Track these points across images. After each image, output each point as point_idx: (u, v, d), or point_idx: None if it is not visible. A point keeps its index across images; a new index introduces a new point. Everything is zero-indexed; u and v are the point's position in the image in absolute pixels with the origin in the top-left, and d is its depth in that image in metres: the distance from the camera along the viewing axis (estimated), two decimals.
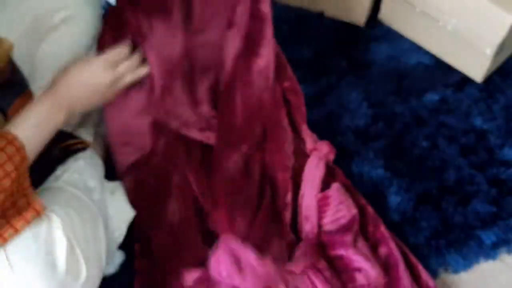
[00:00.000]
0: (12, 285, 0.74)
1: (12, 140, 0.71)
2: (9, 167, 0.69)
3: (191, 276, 0.92)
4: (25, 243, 0.74)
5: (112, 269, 0.98)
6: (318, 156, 1.08)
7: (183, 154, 1.08)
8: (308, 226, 1.00)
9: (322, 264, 0.96)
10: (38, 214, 0.75)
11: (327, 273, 0.95)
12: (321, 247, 0.99)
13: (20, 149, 0.72)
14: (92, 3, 1.01)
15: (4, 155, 0.70)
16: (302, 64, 1.34)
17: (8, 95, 0.87)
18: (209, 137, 1.08)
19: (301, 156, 1.11)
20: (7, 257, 0.73)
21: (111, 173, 1.04)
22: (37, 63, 0.98)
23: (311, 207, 1.01)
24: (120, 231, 0.97)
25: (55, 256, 0.76)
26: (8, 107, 0.86)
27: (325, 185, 1.07)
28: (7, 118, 0.86)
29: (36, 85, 0.96)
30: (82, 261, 0.78)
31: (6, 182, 0.69)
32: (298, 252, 0.97)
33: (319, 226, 1.01)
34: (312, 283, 0.93)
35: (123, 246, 1.00)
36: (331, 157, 1.11)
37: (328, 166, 1.11)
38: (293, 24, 1.43)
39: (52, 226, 0.77)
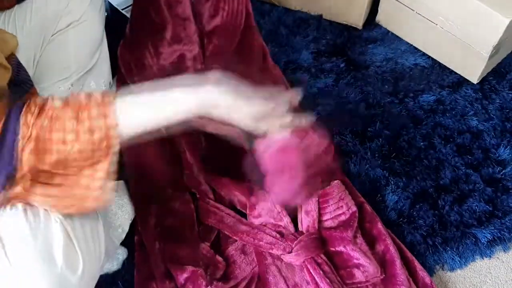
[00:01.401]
0: (11, 279, 0.75)
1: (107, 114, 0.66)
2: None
3: (182, 275, 0.93)
4: (23, 237, 0.75)
5: (115, 266, 0.99)
6: None
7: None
8: (308, 220, 1.02)
9: (322, 259, 0.97)
10: None
11: (326, 268, 0.96)
12: (322, 242, 1.00)
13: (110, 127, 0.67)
14: (97, 8, 1.02)
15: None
16: (301, 66, 1.36)
17: (13, 94, 0.87)
18: None
19: None
20: (5, 252, 0.74)
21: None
22: (42, 64, 0.99)
23: (311, 201, 1.02)
24: (123, 228, 0.98)
25: (52, 249, 0.76)
26: None
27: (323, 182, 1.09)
28: None
29: (41, 86, 0.97)
30: (79, 254, 0.79)
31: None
32: (299, 245, 0.98)
33: (320, 221, 1.03)
34: (311, 276, 0.95)
35: (125, 244, 1.01)
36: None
37: None
38: (292, 26, 1.44)
39: (50, 220, 0.77)
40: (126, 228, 0.99)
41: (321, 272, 0.95)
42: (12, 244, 0.75)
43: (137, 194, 1.02)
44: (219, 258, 0.98)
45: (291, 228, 1.02)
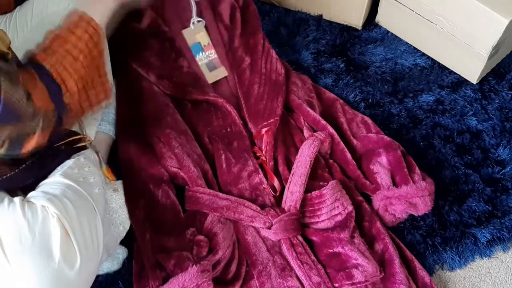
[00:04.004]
0: (9, 276, 0.75)
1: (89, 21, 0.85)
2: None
3: (170, 262, 0.94)
4: (21, 233, 0.76)
5: (116, 265, 1.00)
6: (313, 139, 1.11)
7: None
8: (292, 200, 1.04)
9: (297, 240, 1.00)
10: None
11: (300, 249, 0.99)
12: (301, 224, 1.03)
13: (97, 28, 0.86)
14: None
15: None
16: (301, 66, 1.36)
17: None
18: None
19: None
20: (3, 248, 0.75)
21: (113, 172, 1.06)
22: None
23: (298, 183, 1.04)
24: (123, 225, 0.99)
25: (50, 245, 0.77)
26: None
27: (322, 180, 1.09)
28: None
29: None
30: (76, 249, 0.79)
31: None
32: (278, 224, 1.00)
33: (316, 222, 1.04)
34: (285, 258, 0.99)
35: (126, 244, 1.01)
36: (327, 144, 1.14)
37: (325, 161, 1.14)
38: (292, 26, 1.44)
39: (48, 216, 0.78)
40: (127, 226, 1.00)
41: (294, 253, 0.98)
42: (10, 240, 0.75)
43: (127, 189, 1.04)
44: (200, 237, 0.99)
45: (271, 197, 1.07)
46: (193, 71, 1.23)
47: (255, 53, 1.24)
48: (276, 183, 1.09)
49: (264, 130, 1.14)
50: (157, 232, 1.00)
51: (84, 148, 0.95)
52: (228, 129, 1.17)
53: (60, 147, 0.91)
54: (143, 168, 1.07)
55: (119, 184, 1.03)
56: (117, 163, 1.08)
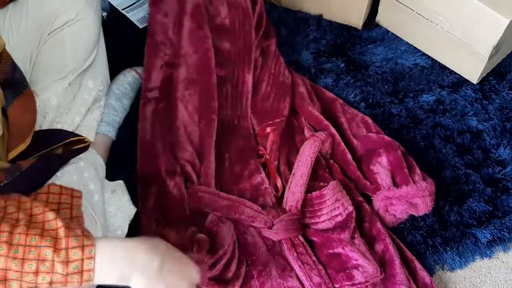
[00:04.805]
0: None
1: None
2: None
3: None
4: None
5: None
6: (314, 139, 1.11)
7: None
8: (293, 200, 1.03)
9: (298, 240, 1.00)
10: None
11: (301, 249, 0.99)
12: (302, 224, 1.03)
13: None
14: (92, 7, 1.02)
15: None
16: (301, 66, 1.36)
17: (7, 95, 0.87)
18: None
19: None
20: None
21: (112, 173, 1.05)
22: (39, 64, 0.98)
23: (299, 183, 1.04)
24: (121, 229, 0.97)
25: None
26: (8, 106, 0.87)
27: (323, 180, 1.09)
28: (8, 118, 0.87)
29: (39, 86, 0.97)
30: None
31: None
32: (279, 224, 1.00)
33: (316, 222, 1.04)
34: (285, 259, 0.99)
35: None
36: (328, 144, 1.14)
37: (326, 161, 1.14)
38: (292, 26, 1.44)
39: None
40: (125, 230, 0.97)
41: (295, 253, 0.98)
42: None
43: (141, 173, 1.04)
44: (201, 235, 0.98)
45: (272, 197, 1.06)
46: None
47: (267, 54, 1.24)
48: (278, 182, 1.09)
49: (269, 129, 1.14)
50: (163, 225, 0.99)
51: (83, 150, 0.95)
52: (236, 122, 1.16)
53: (57, 150, 0.90)
54: (159, 154, 1.06)
55: (117, 184, 1.02)
56: (114, 165, 1.07)
